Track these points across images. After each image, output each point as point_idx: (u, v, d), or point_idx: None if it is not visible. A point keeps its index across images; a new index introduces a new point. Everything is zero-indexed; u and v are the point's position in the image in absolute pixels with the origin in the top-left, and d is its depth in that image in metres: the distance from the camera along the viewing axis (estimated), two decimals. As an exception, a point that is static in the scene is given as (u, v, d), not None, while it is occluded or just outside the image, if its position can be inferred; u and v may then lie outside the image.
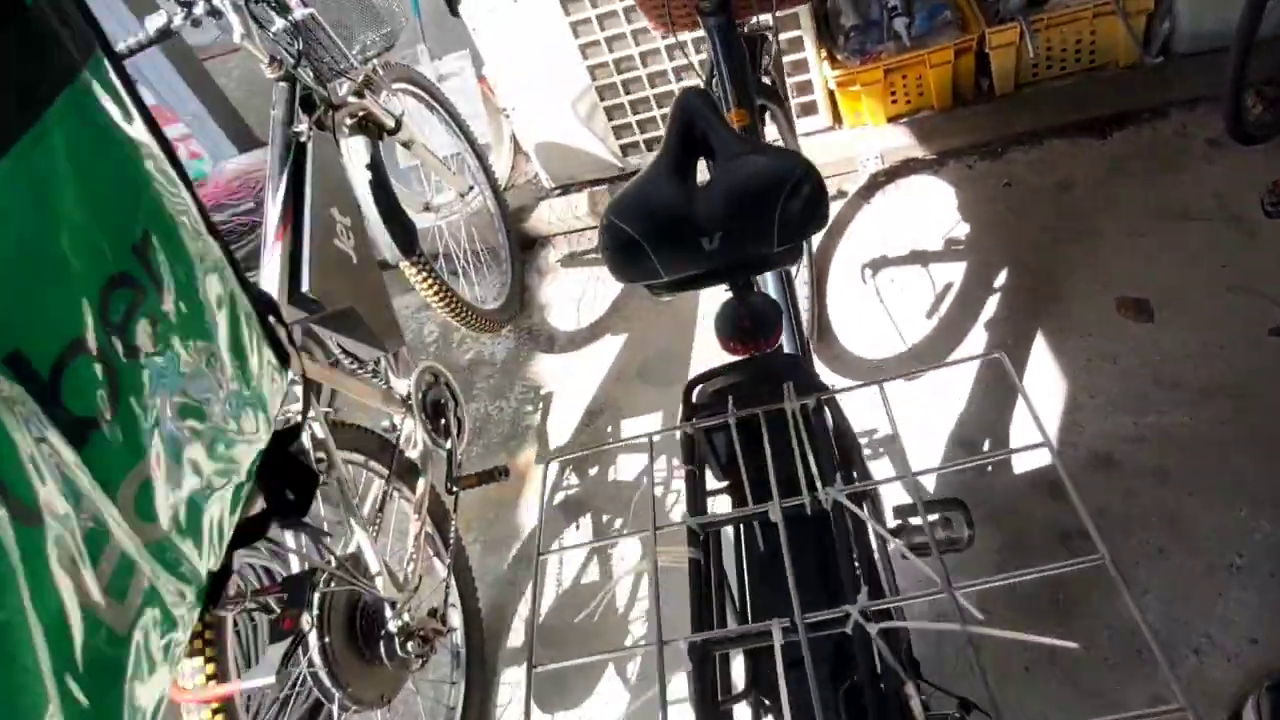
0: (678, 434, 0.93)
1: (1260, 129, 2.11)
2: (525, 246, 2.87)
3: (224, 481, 0.77)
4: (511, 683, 1.93)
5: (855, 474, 1.03)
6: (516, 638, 2.00)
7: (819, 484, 0.79)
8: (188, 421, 0.73)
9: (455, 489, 1.93)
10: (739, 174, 0.98)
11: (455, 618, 1.89)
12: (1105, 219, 2.17)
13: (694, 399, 1.05)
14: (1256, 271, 1.93)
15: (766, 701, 0.85)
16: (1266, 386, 1.75)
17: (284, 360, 0.97)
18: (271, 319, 1.00)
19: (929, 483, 1.84)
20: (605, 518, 2.11)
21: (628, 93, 2.71)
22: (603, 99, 2.73)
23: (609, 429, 2.29)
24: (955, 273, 2.24)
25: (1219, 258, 1.99)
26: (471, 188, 2.53)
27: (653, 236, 0.98)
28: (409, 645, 1.59)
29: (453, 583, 1.87)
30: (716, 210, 0.99)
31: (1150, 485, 1.71)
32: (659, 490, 2.11)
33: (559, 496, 2.22)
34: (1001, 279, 2.17)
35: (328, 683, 1.45)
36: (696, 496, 0.86)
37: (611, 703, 1.82)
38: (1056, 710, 1.50)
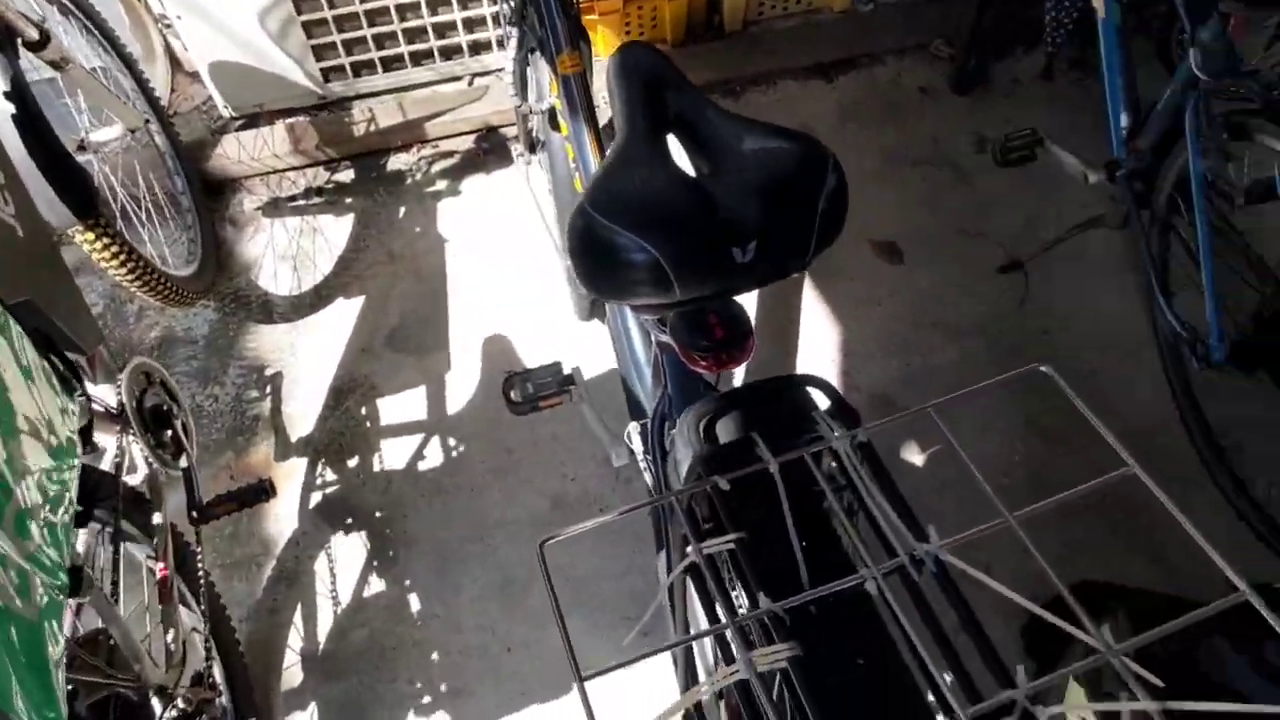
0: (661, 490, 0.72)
1: (970, 81, 2.35)
2: (210, 192, 2.34)
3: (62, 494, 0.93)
4: (297, 732, 1.61)
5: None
6: (292, 677, 1.67)
7: (907, 541, 0.67)
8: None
9: (201, 519, 1.52)
10: (763, 163, 0.79)
11: (217, 672, 1.52)
12: (846, 163, 2.24)
13: (701, 435, 0.83)
14: (977, 213, 2.14)
15: None
16: (1006, 321, 1.96)
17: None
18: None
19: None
20: (378, 514, 1.83)
21: (332, 6, 2.27)
22: (300, 12, 2.27)
23: (363, 410, 1.97)
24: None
25: (946, 201, 2.17)
26: (147, 120, 1.98)
27: (669, 246, 0.75)
28: (193, 737, 1.24)
29: (209, 633, 1.50)
30: (749, 212, 0.79)
31: (928, 424, 1.83)
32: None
33: (314, 497, 1.87)
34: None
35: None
36: (761, 573, 0.68)
37: (426, 730, 1.60)
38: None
